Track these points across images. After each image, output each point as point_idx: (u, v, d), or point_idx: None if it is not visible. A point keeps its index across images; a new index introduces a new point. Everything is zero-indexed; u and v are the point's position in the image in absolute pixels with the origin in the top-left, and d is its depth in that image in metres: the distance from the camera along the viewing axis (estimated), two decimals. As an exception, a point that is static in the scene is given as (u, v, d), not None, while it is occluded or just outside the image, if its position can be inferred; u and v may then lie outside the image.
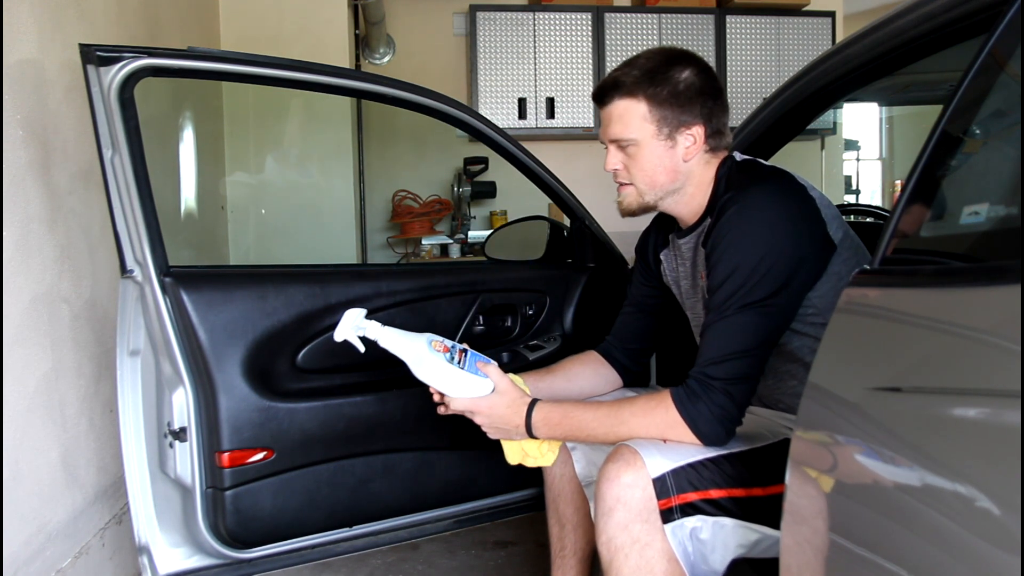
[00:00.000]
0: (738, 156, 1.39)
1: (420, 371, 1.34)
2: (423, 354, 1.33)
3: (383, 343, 1.35)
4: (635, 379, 1.63)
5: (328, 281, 1.68)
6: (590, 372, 1.58)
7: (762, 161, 1.39)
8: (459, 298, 1.84)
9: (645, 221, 1.56)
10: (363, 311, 1.37)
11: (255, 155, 3.73)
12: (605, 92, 1.34)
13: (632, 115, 1.31)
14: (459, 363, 1.34)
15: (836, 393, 0.85)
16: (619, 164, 1.36)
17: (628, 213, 1.40)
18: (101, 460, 1.97)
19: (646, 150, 1.32)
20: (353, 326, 1.35)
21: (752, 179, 1.30)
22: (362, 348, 1.37)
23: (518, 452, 1.38)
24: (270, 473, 1.59)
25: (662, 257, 1.53)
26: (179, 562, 1.59)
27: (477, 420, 1.35)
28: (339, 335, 1.36)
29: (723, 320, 1.21)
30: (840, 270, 1.28)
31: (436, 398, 1.41)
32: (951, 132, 0.86)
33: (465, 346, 1.39)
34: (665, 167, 1.33)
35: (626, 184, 1.37)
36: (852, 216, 3.49)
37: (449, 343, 1.37)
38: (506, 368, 1.43)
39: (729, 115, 1.37)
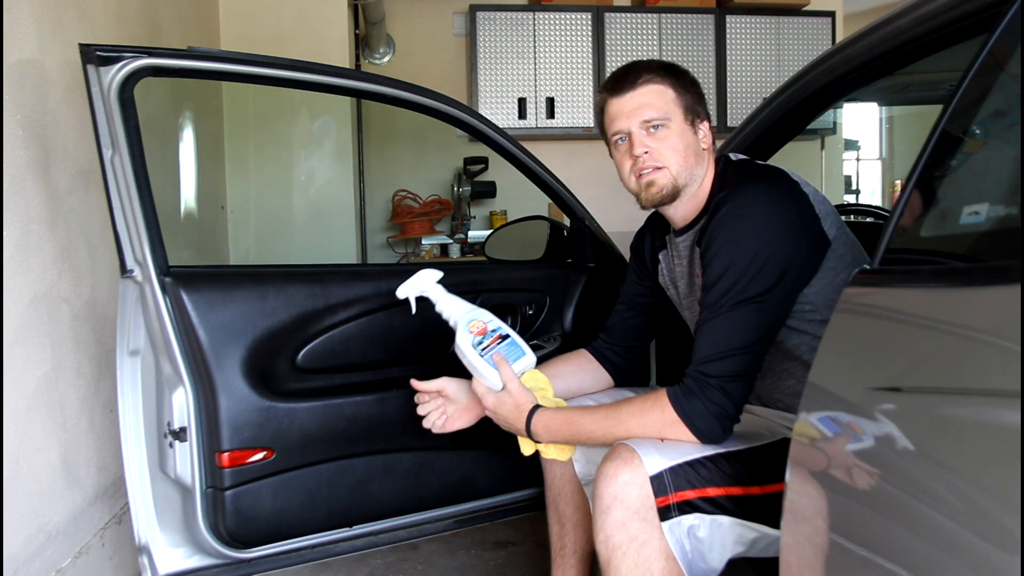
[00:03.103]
0: (733, 156, 1.40)
1: (457, 343, 1.40)
2: (460, 329, 1.39)
3: (439, 307, 1.42)
4: (631, 378, 1.63)
5: (328, 281, 1.68)
6: (579, 371, 1.58)
7: (757, 161, 1.40)
8: (459, 298, 1.84)
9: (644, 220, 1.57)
10: (439, 274, 1.44)
11: (255, 155, 3.73)
12: (635, 74, 1.34)
13: (665, 97, 1.33)
14: (484, 349, 1.37)
15: (836, 393, 0.85)
16: (651, 146, 1.33)
17: (657, 201, 1.35)
18: (101, 460, 1.97)
19: (676, 132, 1.33)
20: (417, 288, 1.42)
21: (745, 177, 1.31)
22: (414, 308, 1.44)
23: (531, 443, 1.39)
24: (270, 473, 1.59)
25: (660, 257, 1.53)
26: (179, 562, 1.59)
27: (486, 411, 1.41)
28: (401, 292, 1.43)
29: (718, 317, 1.22)
30: (836, 266, 1.28)
31: (427, 422, 1.49)
32: (951, 132, 0.86)
33: (507, 332, 1.40)
34: (693, 150, 1.35)
35: (659, 167, 1.33)
36: (852, 216, 3.49)
37: (492, 325, 1.40)
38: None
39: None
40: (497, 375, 1.36)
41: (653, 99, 1.32)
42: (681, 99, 1.34)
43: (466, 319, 1.39)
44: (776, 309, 1.24)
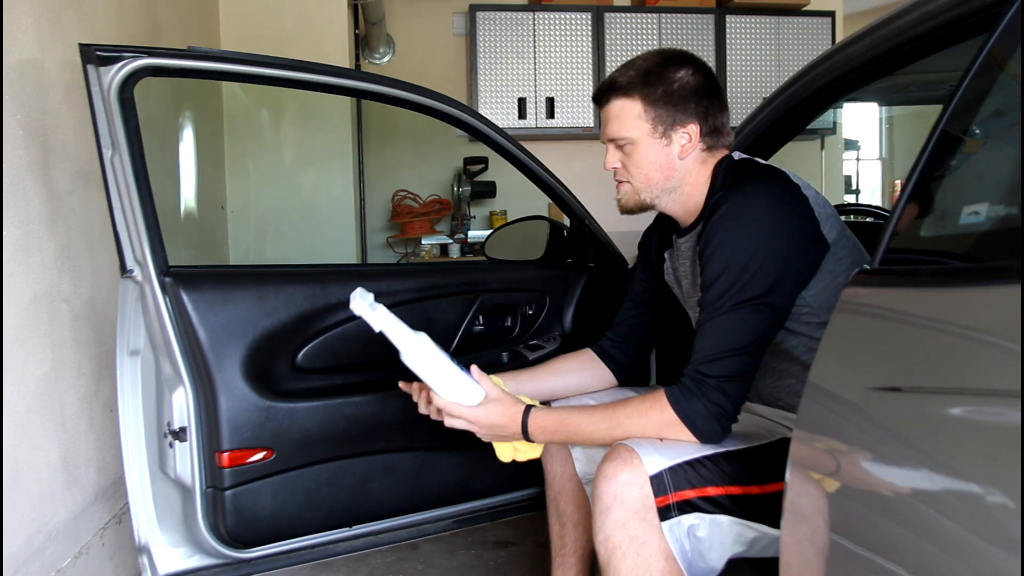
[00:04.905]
0: (736, 155, 1.39)
1: (412, 358, 1.28)
2: (424, 343, 1.28)
3: (380, 325, 1.29)
4: (633, 378, 1.63)
5: (328, 281, 1.68)
6: (580, 370, 1.58)
7: (759, 160, 1.40)
8: (459, 298, 1.84)
9: (645, 221, 1.57)
10: (370, 295, 1.30)
11: (255, 155, 3.73)
12: (603, 93, 1.38)
13: (628, 114, 1.34)
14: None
15: (836, 393, 0.85)
16: (617, 163, 1.39)
17: (626, 211, 1.42)
18: (101, 460, 1.97)
19: (641, 148, 1.34)
20: (363, 303, 1.29)
21: (744, 177, 1.31)
22: (377, 327, 1.29)
23: (509, 450, 1.38)
24: (270, 473, 1.59)
25: (666, 256, 1.54)
26: (179, 562, 1.59)
27: (472, 430, 1.33)
28: (354, 308, 1.29)
29: (716, 318, 1.22)
30: (835, 269, 1.28)
31: (416, 397, 1.42)
32: (951, 132, 0.86)
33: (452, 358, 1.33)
34: (660, 165, 1.35)
35: (624, 182, 1.39)
36: (852, 216, 3.49)
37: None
38: (500, 369, 1.42)
39: (728, 114, 1.38)
40: (481, 389, 1.31)
41: (618, 115, 1.35)
42: (649, 113, 1.32)
43: (422, 336, 1.29)
44: (774, 310, 1.24)
